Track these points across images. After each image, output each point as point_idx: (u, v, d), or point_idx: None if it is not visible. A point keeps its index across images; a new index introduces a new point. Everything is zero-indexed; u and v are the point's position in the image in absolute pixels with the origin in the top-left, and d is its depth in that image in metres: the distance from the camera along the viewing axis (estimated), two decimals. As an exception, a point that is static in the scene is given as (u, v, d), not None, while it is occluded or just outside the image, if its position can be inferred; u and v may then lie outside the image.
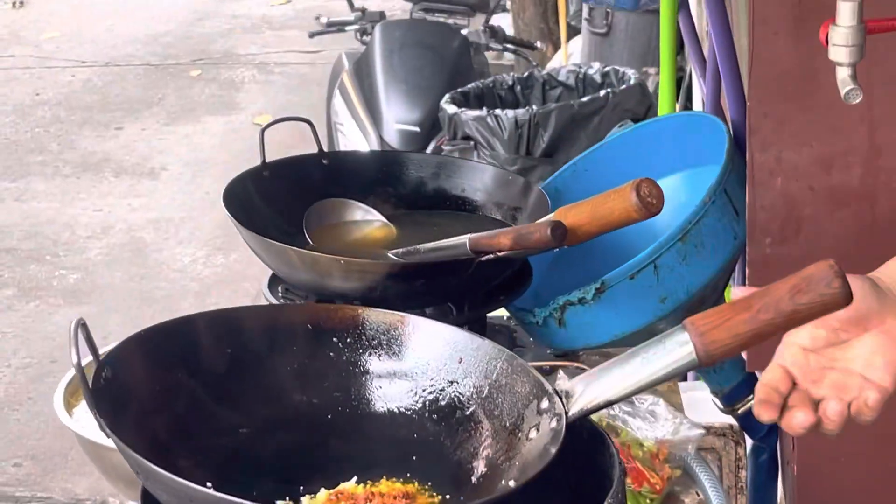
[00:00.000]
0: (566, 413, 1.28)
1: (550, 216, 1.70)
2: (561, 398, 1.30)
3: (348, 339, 1.46)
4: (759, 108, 1.72)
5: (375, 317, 1.47)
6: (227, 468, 1.35)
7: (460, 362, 1.43)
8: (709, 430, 1.95)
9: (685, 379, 2.44)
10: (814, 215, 1.82)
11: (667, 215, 1.80)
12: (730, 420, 2.06)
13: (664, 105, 2.93)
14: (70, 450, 4.22)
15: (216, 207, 6.26)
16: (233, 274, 5.42)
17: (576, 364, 1.94)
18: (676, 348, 1.23)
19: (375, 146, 4.27)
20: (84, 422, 1.66)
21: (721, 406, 2.09)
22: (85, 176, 6.62)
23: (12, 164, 6.78)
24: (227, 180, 1.93)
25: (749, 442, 2.15)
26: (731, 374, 2.06)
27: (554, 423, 1.28)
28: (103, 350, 1.30)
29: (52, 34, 9.32)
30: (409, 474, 1.37)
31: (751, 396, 2.09)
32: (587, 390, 1.28)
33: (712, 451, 2.01)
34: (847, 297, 1.22)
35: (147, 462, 1.15)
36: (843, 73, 1.48)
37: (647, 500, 1.70)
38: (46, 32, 9.37)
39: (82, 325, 1.23)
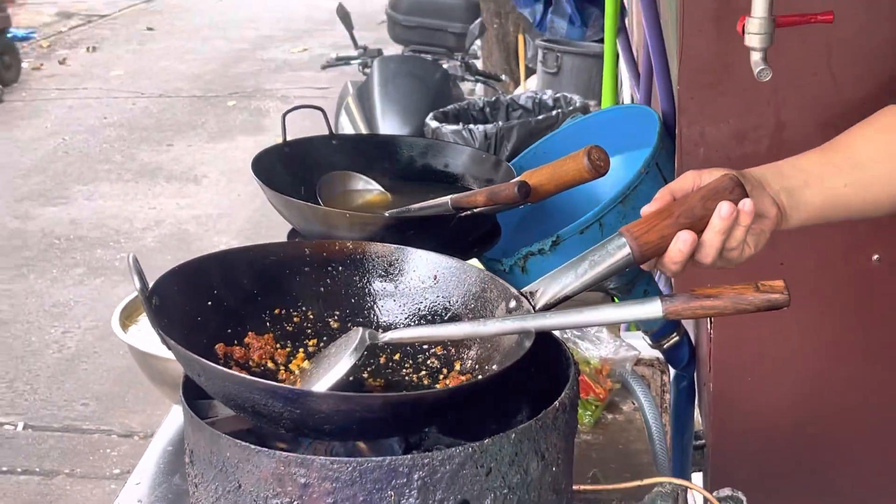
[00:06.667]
0: (534, 308, 1.23)
1: (517, 178, 1.65)
2: (527, 297, 1.25)
3: (350, 266, 1.43)
4: (686, 92, 1.67)
5: (371, 249, 1.45)
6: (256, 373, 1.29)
7: (435, 279, 1.39)
8: (639, 361, 1.91)
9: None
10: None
11: (610, 186, 1.76)
12: (657, 354, 2.02)
13: (606, 101, 2.88)
14: (127, 392, 4.16)
15: (246, 206, 6.24)
16: (259, 258, 5.36)
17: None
18: (616, 250, 1.21)
19: (373, 154, 4.23)
20: (136, 338, 1.59)
21: (650, 342, 2.04)
22: (142, 181, 6.54)
23: (84, 172, 6.70)
24: (255, 186, 1.87)
25: (672, 371, 2.10)
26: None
27: None
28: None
29: (117, 72, 9.27)
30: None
31: (674, 334, 2.05)
32: (548, 289, 1.25)
33: (642, 378, 1.96)
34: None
35: (202, 359, 1.10)
36: (755, 56, 1.44)
37: (593, 407, 1.65)
38: (113, 70, 9.32)
39: (135, 260, 1.16)
